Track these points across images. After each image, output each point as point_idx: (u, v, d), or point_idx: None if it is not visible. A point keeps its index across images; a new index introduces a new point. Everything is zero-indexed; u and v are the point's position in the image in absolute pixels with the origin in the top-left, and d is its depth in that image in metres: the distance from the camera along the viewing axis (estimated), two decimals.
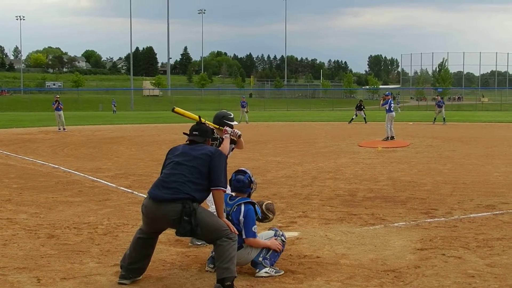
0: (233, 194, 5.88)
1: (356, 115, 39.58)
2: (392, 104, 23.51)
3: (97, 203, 9.59)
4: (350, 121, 38.51)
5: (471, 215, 8.53)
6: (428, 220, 8.25)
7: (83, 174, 13.19)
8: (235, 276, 5.20)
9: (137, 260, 5.44)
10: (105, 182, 11.95)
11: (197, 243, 6.78)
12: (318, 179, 12.33)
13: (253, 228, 5.68)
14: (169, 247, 6.82)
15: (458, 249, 6.65)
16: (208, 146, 5.60)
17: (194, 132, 5.64)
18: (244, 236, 5.64)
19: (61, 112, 30.08)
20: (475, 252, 6.53)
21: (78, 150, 19.69)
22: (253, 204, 5.81)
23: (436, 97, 44.18)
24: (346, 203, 9.55)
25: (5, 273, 5.73)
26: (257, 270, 5.68)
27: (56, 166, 14.83)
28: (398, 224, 8.00)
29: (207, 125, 6.00)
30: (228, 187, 5.85)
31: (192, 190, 5.24)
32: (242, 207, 5.72)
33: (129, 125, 37.61)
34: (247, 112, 40.64)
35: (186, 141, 5.67)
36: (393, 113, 23.11)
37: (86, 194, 10.55)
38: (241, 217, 5.66)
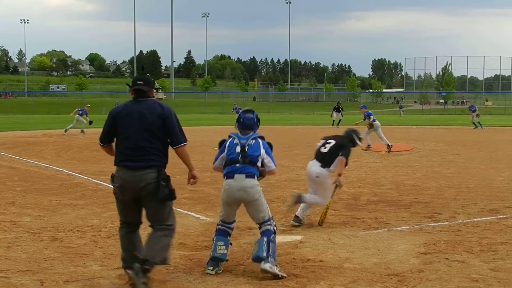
0: (240, 133, 6.16)
1: (334, 117, 39.01)
2: (371, 115, 22.04)
3: (100, 206, 9.60)
4: (338, 124, 37.88)
5: (475, 219, 8.51)
6: (432, 224, 8.24)
7: (86, 177, 13.20)
8: (157, 264, 5.31)
9: (133, 249, 5.49)
10: (109, 185, 11.92)
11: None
12: None
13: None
14: (172, 250, 6.81)
15: (462, 253, 6.64)
16: (155, 103, 5.55)
17: (138, 82, 5.60)
18: (274, 167, 6.10)
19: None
20: (479, 256, 6.52)
21: (81, 153, 19.72)
22: (264, 138, 6.17)
23: (467, 102, 43.45)
24: (350, 207, 9.54)
25: (9, 276, 5.74)
26: (262, 262, 5.67)
27: (60, 169, 14.85)
28: (402, 228, 7.99)
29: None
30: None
31: (161, 157, 5.44)
32: (260, 140, 6.08)
33: None
34: None
35: (132, 96, 5.60)
36: (377, 122, 21.88)
37: (90, 197, 10.56)
38: (262, 150, 6.02)
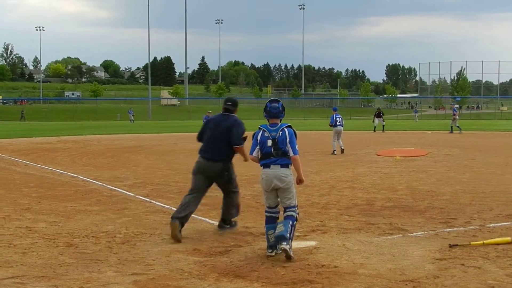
0: (268, 121, 6.93)
1: (376, 123, 39.73)
2: (338, 118, 21.78)
3: (115, 212, 9.64)
4: (375, 129, 38.89)
5: (491, 225, 8.44)
6: (447, 229, 8.17)
7: (101, 183, 13.27)
8: (232, 217, 8.00)
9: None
10: (123, 191, 12.01)
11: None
12: (335, 188, 12.29)
13: (297, 147, 6.79)
14: (186, 256, 6.82)
15: (478, 259, 6.58)
16: (234, 119, 7.81)
17: (227, 103, 7.95)
18: (292, 154, 6.73)
19: None
20: (495, 262, 6.46)
21: (96, 159, 19.83)
22: (291, 127, 6.87)
23: (453, 104, 44.23)
24: (364, 213, 9.50)
25: (24, 282, 5.77)
26: (284, 243, 6.43)
27: (75, 175, 14.94)
28: (417, 233, 7.93)
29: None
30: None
31: (227, 154, 7.73)
32: (286, 130, 6.79)
33: (147, 135, 37.81)
34: None
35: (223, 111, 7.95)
36: (338, 127, 21.63)
37: (104, 203, 10.61)
38: (287, 140, 6.74)
